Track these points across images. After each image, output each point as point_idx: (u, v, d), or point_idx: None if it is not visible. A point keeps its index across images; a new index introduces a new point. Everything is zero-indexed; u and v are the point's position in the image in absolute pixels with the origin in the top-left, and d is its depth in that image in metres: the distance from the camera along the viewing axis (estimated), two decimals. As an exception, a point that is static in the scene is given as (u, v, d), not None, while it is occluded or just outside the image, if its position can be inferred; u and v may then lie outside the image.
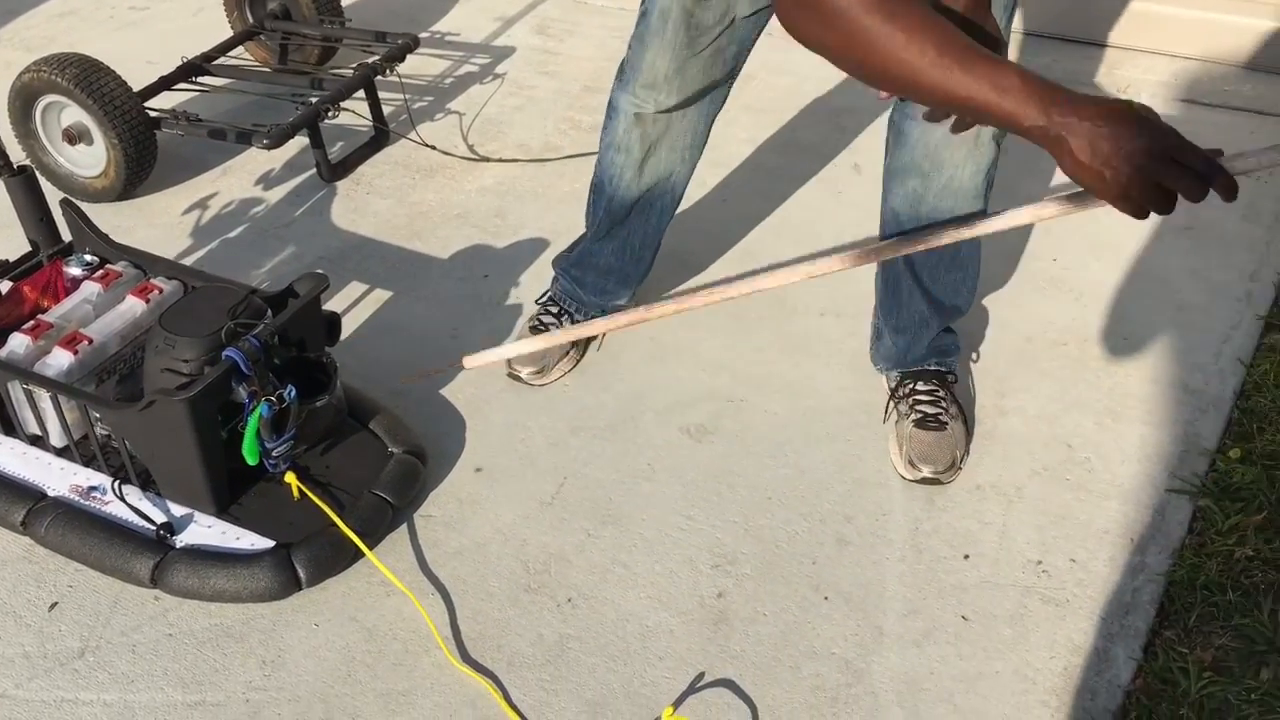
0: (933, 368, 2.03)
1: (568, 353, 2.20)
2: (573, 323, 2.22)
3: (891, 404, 2.05)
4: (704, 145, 2.01)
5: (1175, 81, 3.02)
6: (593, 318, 2.19)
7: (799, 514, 1.92)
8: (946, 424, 1.97)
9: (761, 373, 2.19)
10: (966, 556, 1.84)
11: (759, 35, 1.85)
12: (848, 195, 2.68)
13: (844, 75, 2.47)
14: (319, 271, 1.98)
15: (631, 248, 2.13)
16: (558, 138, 2.94)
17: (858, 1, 1.16)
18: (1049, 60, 3.14)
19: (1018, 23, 3.23)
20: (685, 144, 1.98)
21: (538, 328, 2.22)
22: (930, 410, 1.98)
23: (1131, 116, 1.15)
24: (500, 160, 2.84)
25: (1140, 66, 3.09)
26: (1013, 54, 3.12)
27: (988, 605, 1.76)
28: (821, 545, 1.86)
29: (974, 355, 2.22)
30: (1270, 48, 3.00)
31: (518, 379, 2.17)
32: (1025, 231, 2.52)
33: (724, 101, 1.96)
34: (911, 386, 2.02)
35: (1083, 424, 2.06)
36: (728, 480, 1.97)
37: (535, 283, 2.43)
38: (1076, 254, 2.47)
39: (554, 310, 2.24)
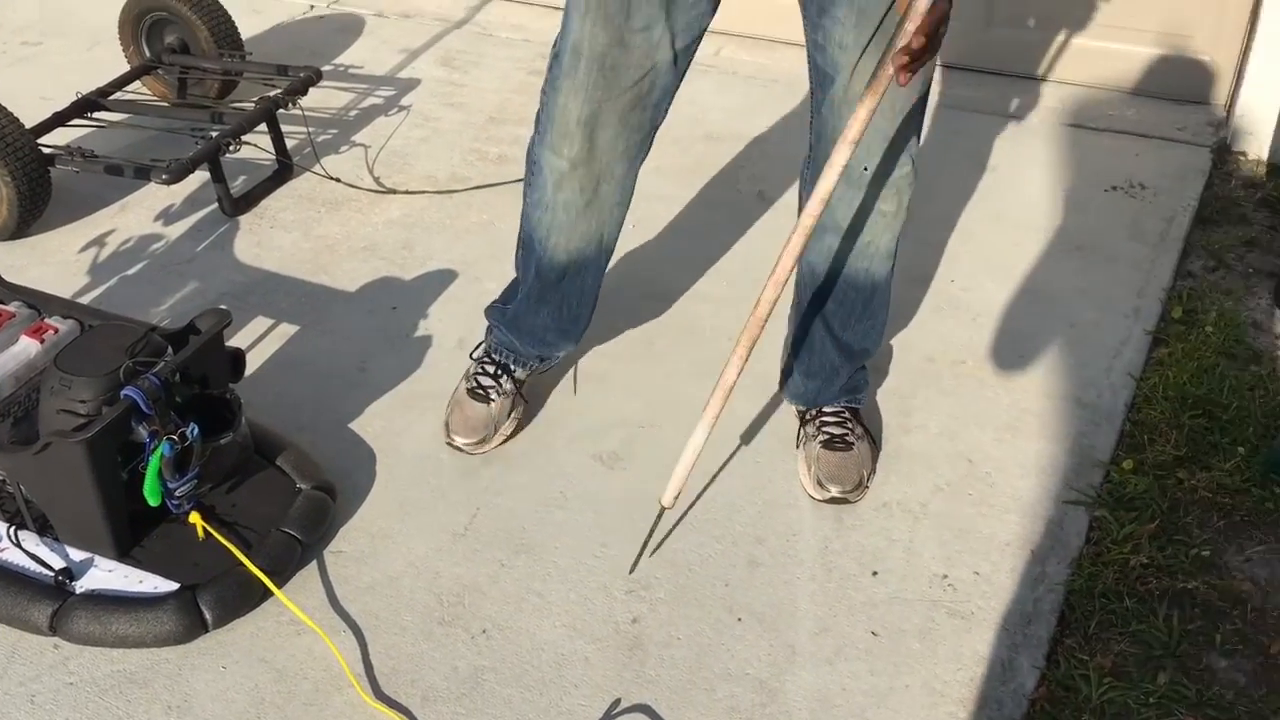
0: (843, 404, 2.07)
1: (510, 414, 2.10)
2: (511, 378, 2.10)
3: (800, 428, 2.09)
4: (631, 197, 1.93)
5: (1064, 107, 3.13)
6: (532, 369, 2.12)
7: (711, 537, 1.94)
8: (853, 444, 2.01)
9: (673, 398, 2.21)
10: (875, 573, 1.87)
11: (683, 77, 1.80)
12: (757, 225, 2.72)
13: (746, 103, 2.48)
14: (222, 307, 1.95)
15: (569, 308, 2.03)
16: (465, 169, 2.94)
17: None
18: (944, 89, 3.24)
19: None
20: (614, 200, 1.90)
21: (477, 391, 2.08)
22: (837, 431, 2.02)
23: None
24: (406, 192, 2.83)
25: (1029, 92, 3.20)
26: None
27: (896, 620, 1.80)
28: (734, 567, 1.88)
29: (876, 376, 2.27)
30: (1149, 74, 3.13)
31: (455, 448, 2.07)
32: (924, 255, 2.59)
33: (649, 150, 1.88)
34: (819, 411, 2.06)
35: (983, 440, 2.12)
36: (641, 506, 1.98)
37: (445, 314, 2.43)
38: (973, 276, 2.54)
39: (491, 369, 2.10)
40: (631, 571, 1.87)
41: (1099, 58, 3.16)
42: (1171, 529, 1.95)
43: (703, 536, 1.94)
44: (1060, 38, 3.19)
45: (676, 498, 1.87)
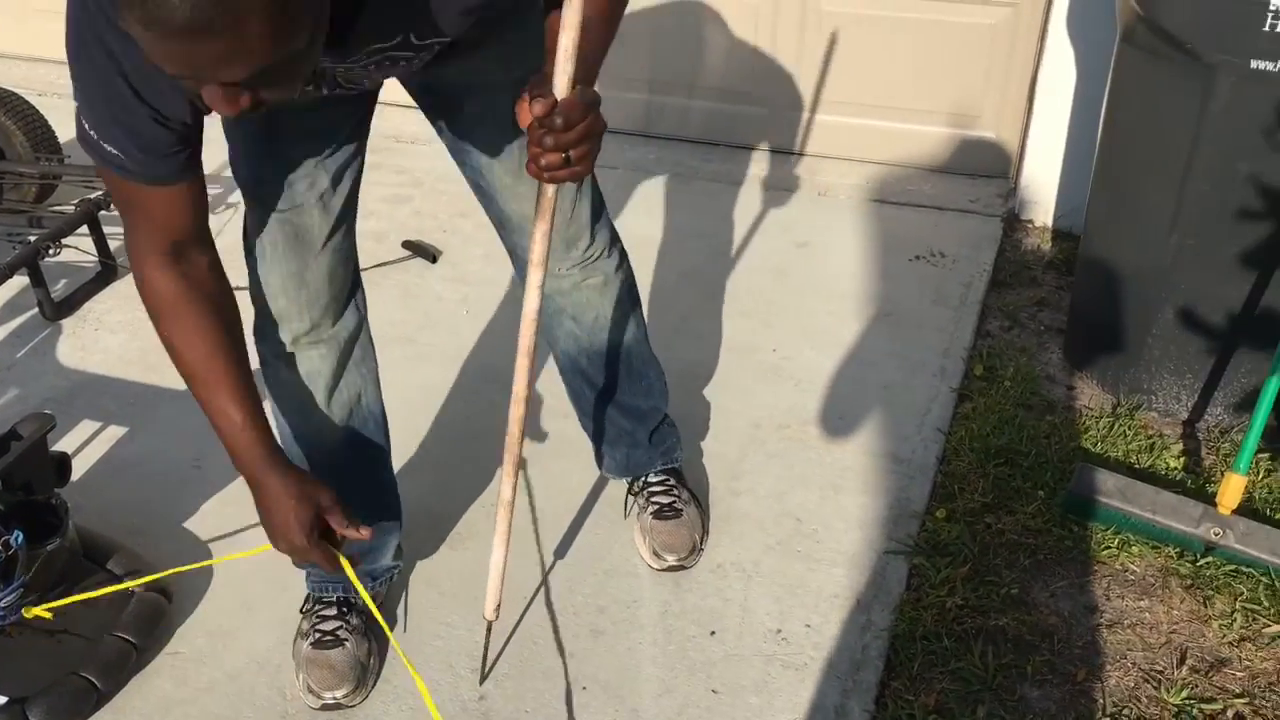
0: (660, 468, 2.14)
1: (370, 652, 1.89)
2: (355, 613, 1.89)
3: (629, 498, 2.16)
4: (373, 344, 1.84)
5: (867, 184, 3.35)
6: (375, 591, 1.93)
7: (554, 609, 1.99)
8: (681, 510, 2.09)
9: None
10: (713, 633, 1.95)
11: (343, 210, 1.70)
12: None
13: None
14: (45, 412, 1.92)
15: (369, 494, 1.88)
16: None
17: (150, 308, 1.46)
18: (757, 169, 3.42)
19: (741, 139, 3.51)
20: (357, 356, 1.79)
21: (325, 640, 1.85)
22: (665, 500, 2.10)
23: (285, 503, 1.50)
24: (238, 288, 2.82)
25: (837, 172, 3.41)
26: (722, 166, 3.39)
27: (735, 677, 1.87)
28: (577, 638, 1.93)
29: (706, 443, 2.38)
30: (943, 152, 3.38)
31: (334, 707, 1.82)
32: (746, 326, 2.73)
33: (360, 280, 1.82)
34: (644, 481, 2.13)
35: (808, 499, 2.23)
36: (483, 583, 2.01)
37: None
38: (794, 344, 2.69)
39: (328, 612, 1.88)
40: (481, 683, 1.85)
41: (898, 138, 3.40)
42: (983, 571, 2.09)
43: (545, 609, 1.98)
44: (862, 120, 3.41)
45: (498, 609, 1.83)
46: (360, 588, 1.58)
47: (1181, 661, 1.94)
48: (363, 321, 1.81)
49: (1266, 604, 2.03)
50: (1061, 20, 2.98)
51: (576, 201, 1.80)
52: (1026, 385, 2.56)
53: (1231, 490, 2.12)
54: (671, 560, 2.05)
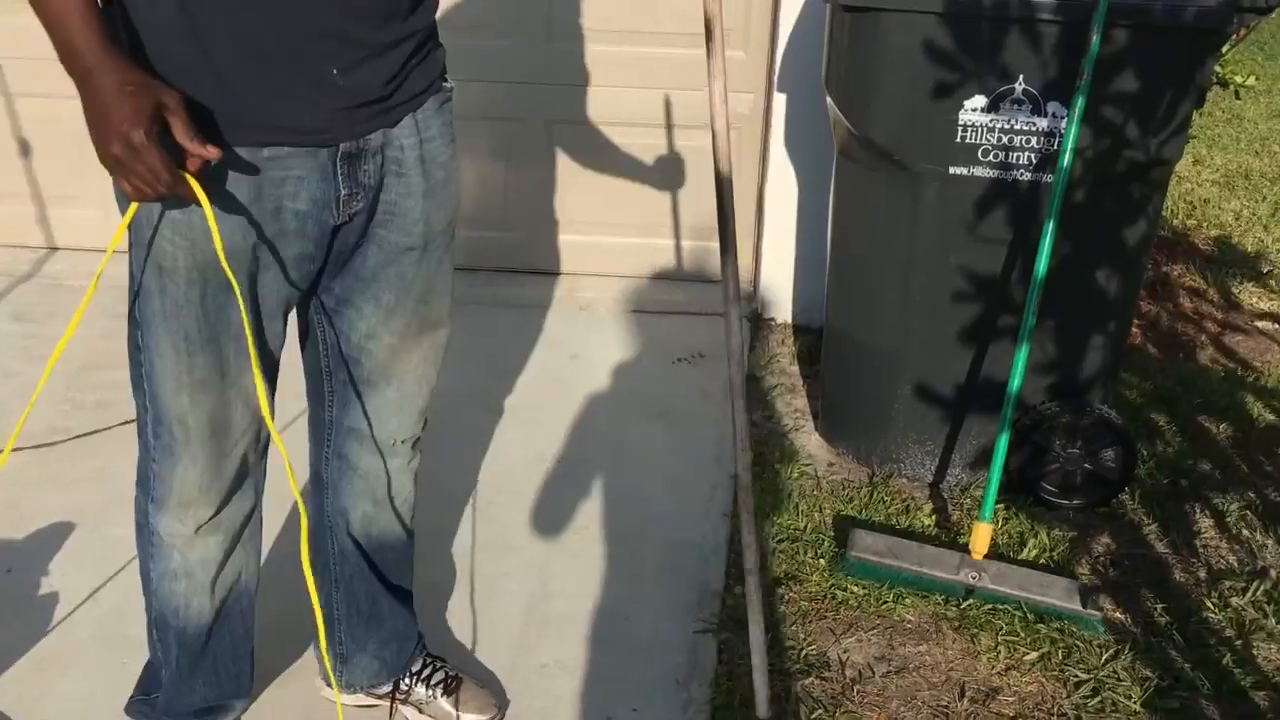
0: (423, 652, 2.05)
1: None
2: None
3: (394, 705, 2.02)
4: (261, 517, 1.80)
5: (624, 296, 3.59)
6: None
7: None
8: (458, 674, 2.03)
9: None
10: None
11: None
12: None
13: None
14: None
15: (224, 669, 1.84)
16: (62, 419, 2.86)
17: None
18: (521, 291, 3.59)
19: (487, 261, 3.67)
20: (248, 534, 1.76)
21: None
22: (441, 677, 2.01)
23: (123, 91, 1.30)
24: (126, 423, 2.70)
25: (595, 288, 3.63)
26: (486, 289, 3.54)
27: (575, 768, 1.96)
28: (417, 754, 1.97)
29: (513, 553, 2.47)
30: (689, 262, 3.67)
31: None
32: (535, 437, 2.86)
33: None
34: (413, 674, 2.02)
35: (617, 592, 2.37)
36: (320, 713, 2.02)
37: (69, 568, 2.34)
38: (580, 450, 2.84)
39: None
40: None
41: (647, 252, 3.66)
42: (783, 637, 2.27)
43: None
44: (613, 238, 3.66)
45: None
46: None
47: (962, 695, 2.18)
48: (259, 496, 1.76)
49: (1023, 634, 2.31)
50: (780, 140, 3.35)
51: (430, 382, 1.81)
52: (792, 464, 2.81)
53: (981, 537, 2.42)
54: (491, 715, 2.01)
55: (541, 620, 2.28)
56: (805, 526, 2.58)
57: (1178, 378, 3.28)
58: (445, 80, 1.65)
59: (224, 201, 1.44)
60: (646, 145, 3.50)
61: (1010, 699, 2.17)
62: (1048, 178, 2.43)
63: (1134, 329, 3.52)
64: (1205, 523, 2.69)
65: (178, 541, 1.68)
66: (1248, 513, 2.73)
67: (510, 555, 2.47)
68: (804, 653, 2.24)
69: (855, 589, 2.41)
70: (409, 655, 2.02)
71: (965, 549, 2.45)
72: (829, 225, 2.80)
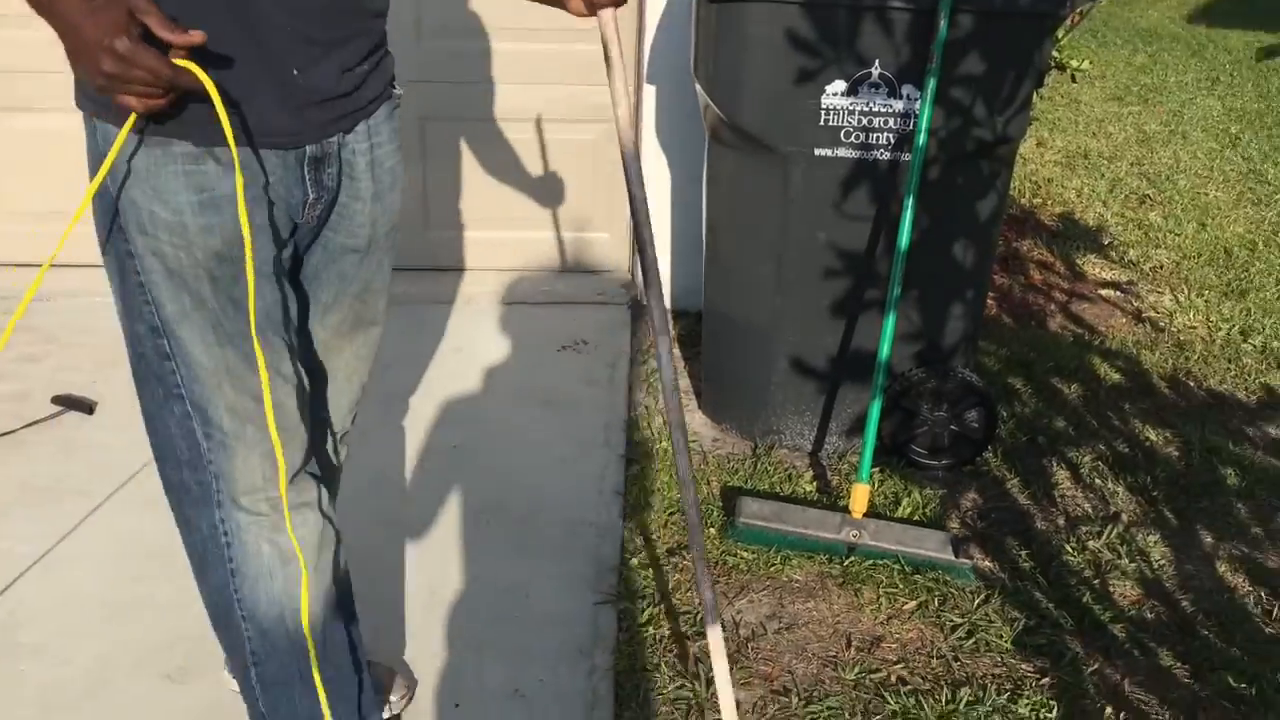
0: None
1: None
2: None
3: None
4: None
5: (504, 289, 3.65)
6: None
7: None
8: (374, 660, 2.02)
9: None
10: (457, 705, 2.08)
11: None
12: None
13: None
14: None
15: (346, 674, 1.74)
16: (-67, 434, 2.79)
17: None
18: (394, 287, 3.61)
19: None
20: (329, 511, 1.70)
21: None
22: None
23: (93, 5, 1.25)
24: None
25: (477, 282, 3.68)
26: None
27: (484, 706, 2.02)
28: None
29: (414, 540, 2.51)
30: (568, 253, 3.75)
31: None
32: (427, 428, 2.90)
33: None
34: None
35: (518, 572, 2.43)
36: (225, 712, 2.03)
37: (-49, 582, 2.30)
38: (473, 438, 2.89)
39: None
40: None
41: (526, 245, 3.72)
42: (678, 605, 2.37)
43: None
44: (489, 233, 3.71)
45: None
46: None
47: (848, 645, 2.31)
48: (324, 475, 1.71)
49: (901, 586, 2.46)
50: (651, 129, 3.45)
51: (360, 372, 1.82)
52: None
53: (859, 498, 2.56)
54: (402, 692, 2.04)
55: (443, 602, 2.33)
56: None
57: (1031, 343, 3.50)
58: (394, 87, 1.68)
59: (207, 195, 1.43)
60: (521, 140, 3.57)
61: (893, 645, 2.31)
62: (905, 156, 2.58)
63: (990, 300, 3.74)
64: (1061, 475, 2.89)
65: (264, 530, 1.60)
66: (1099, 464, 2.94)
67: (408, 544, 2.51)
68: (699, 616, 2.34)
69: (745, 554, 2.52)
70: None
71: (845, 510, 2.59)
72: (703, 210, 2.91)
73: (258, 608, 1.62)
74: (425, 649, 2.21)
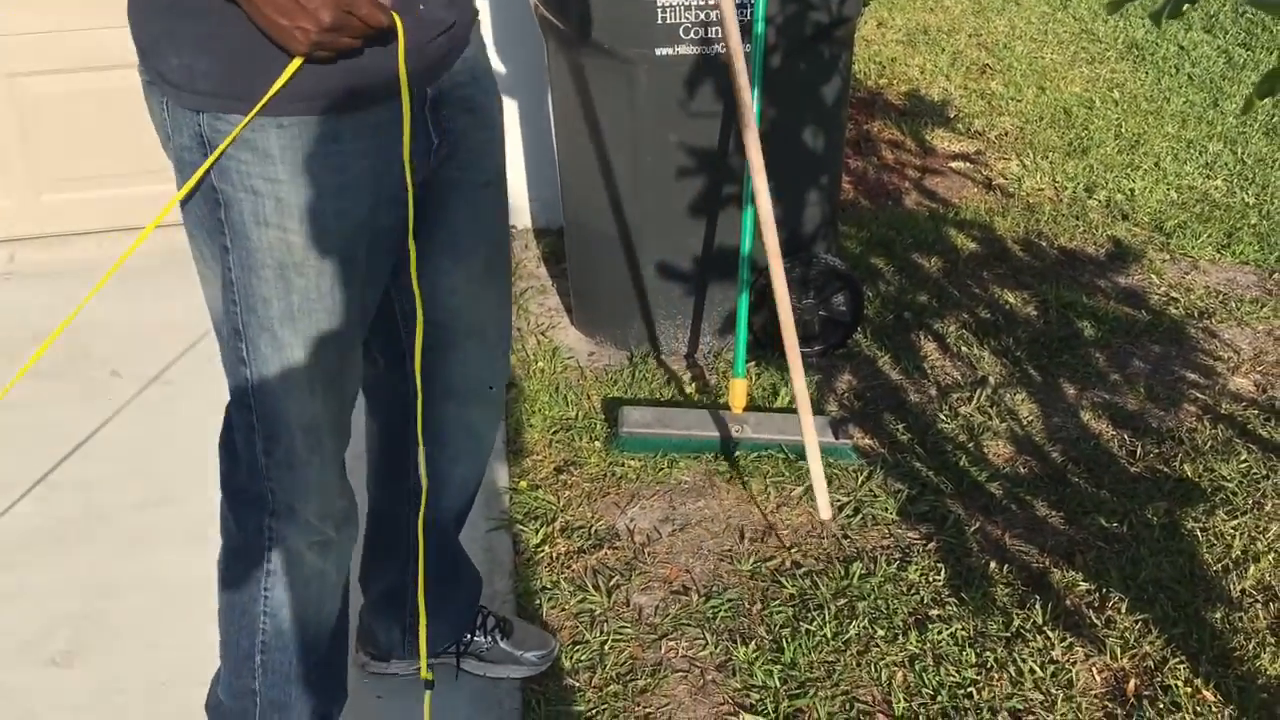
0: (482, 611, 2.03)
1: None
2: None
3: (460, 657, 2.00)
4: None
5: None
6: None
7: (199, 684, 1.98)
8: (505, 616, 2.06)
9: (104, 577, 2.21)
10: (374, 658, 2.07)
11: None
12: (122, 401, 2.76)
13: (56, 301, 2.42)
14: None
15: (336, 672, 1.75)
16: None
17: None
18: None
19: None
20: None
21: None
22: (496, 617, 2.03)
23: None
24: None
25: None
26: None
27: (398, 684, 2.00)
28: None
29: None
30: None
31: None
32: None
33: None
34: (470, 635, 2.01)
35: (405, 509, 2.40)
36: (117, 688, 1.98)
37: None
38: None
39: None
40: None
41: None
42: (572, 521, 2.38)
43: (200, 690, 1.99)
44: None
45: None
46: None
47: (742, 537, 2.36)
48: None
49: (788, 474, 2.51)
50: (491, 49, 3.36)
51: (507, 315, 1.77)
52: (555, 361, 2.90)
53: (737, 394, 2.59)
54: (551, 648, 2.05)
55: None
56: (576, 415, 2.68)
57: (890, 222, 3.56)
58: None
59: (345, 176, 1.36)
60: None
61: (785, 532, 2.36)
62: (746, 48, 2.57)
63: (846, 184, 3.78)
64: (929, 346, 2.97)
65: (315, 548, 1.57)
66: (964, 331, 3.02)
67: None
68: (593, 529, 2.35)
69: (632, 463, 2.53)
70: (474, 612, 2.00)
71: (726, 408, 2.62)
72: (552, 125, 2.85)
73: (283, 608, 1.60)
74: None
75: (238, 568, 1.61)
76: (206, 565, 2.23)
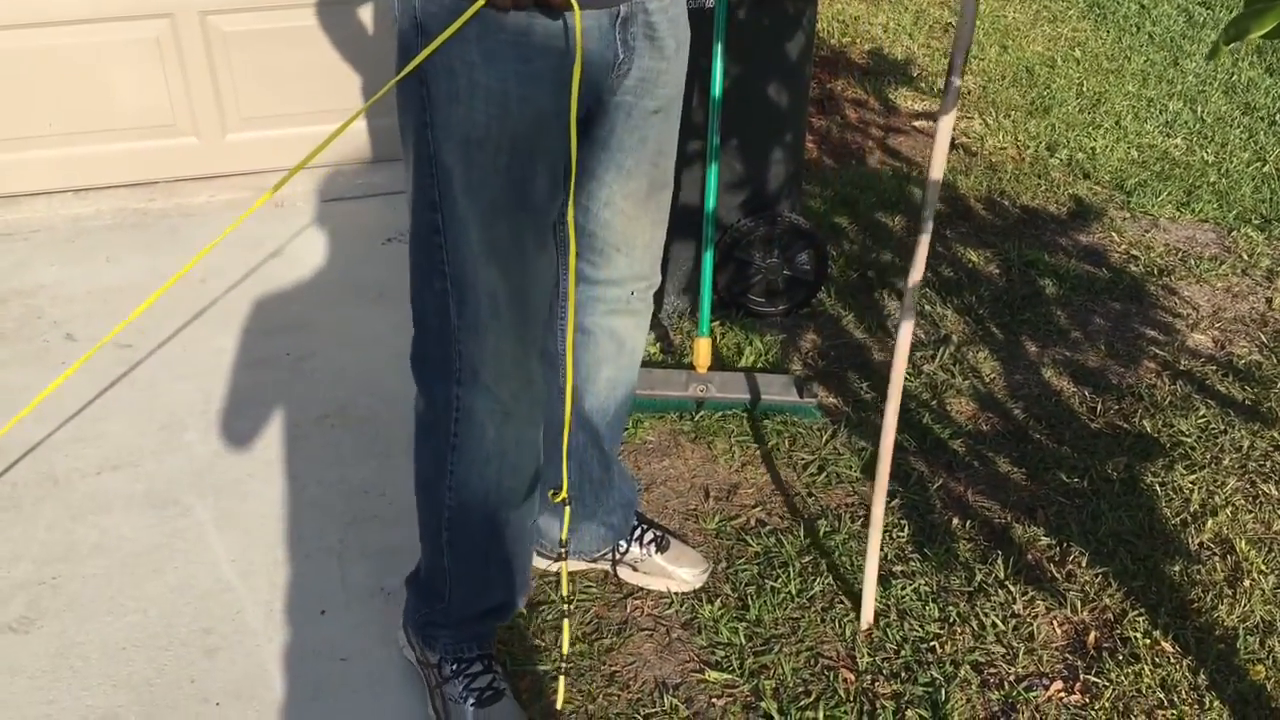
0: (636, 523, 2.14)
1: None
2: (495, 660, 1.87)
3: (613, 566, 2.13)
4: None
5: (320, 187, 3.49)
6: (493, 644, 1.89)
7: (159, 648, 1.97)
8: (667, 534, 2.16)
9: (61, 542, 2.18)
10: (323, 612, 2.05)
11: None
12: (70, 369, 2.71)
13: (18, 259, 2.38)
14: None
15: (518, 559, 1.83)
16: None
17: None
18: (205, 198, 3.42)
19: (163, 171, 3.47)
20: (542, 417, 1.75)
21: (485, 694, 1.80)
22: (652, 535, 2.12)
23: None
24: None
25: (289, 185, 3.51)
26: (169, 202, 3.35)
27: (357, 643, 1.99)
28: (193, 663, 1.95)
29: (261, 451, 2.43)
30: (385, 141, 3.61)
31: None
32: (260, 340, 2.78)
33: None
34: (628, 540, 2.12)
35: (367, 472, 2.38)
36: (76, 653, 1.95)
37: None
38: (308, 343, 2.79)
39: (475, 669, 1.83)
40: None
41: (336, 139, 3.56)
42: (536, 480, 2.36)
43: (151, 651, 1.96)
44: (296, 129, 3.53)
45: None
46: None
47: (707, 496, 2.36)
48: (547, 380, 1.76)
49: (752, 432, 2.51)
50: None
51: (665, 224, 1.82)
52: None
53: (702, 353, 2.58)
54: (704, 567, 2.14)
55: (296, 512, 2.27)
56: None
57: (854, 181, 3.55)
58: None
59: (531, 66, 1.45)
60: (311, 27, 3.38)
61: (750, 490, 2.37)
62: (710, 3, 2.53)
63: (810, 143, 3.77)
64: (893, 305, 2.97)
65: (494, 418, 1.66)
66: (928, 290, 3.03)
67: (250, 458, 2.42)
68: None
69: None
70: (631, 519, 2.09)
71: (691, 367, 2.61)
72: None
73: (467, 485, 1.71)
74: (281, 559, 2.16)
75: (428, 444, 1.73)
76: (164, 530, 2.22)
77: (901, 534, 2.25)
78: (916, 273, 1.79)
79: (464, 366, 1.62)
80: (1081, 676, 1.97)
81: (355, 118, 1.56)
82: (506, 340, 1.62)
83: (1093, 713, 1.90)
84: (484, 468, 1.70)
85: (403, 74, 1.48)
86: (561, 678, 1.86)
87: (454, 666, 1.84)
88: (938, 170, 1.70)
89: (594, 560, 2.14)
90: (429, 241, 1.58)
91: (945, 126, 1.65)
